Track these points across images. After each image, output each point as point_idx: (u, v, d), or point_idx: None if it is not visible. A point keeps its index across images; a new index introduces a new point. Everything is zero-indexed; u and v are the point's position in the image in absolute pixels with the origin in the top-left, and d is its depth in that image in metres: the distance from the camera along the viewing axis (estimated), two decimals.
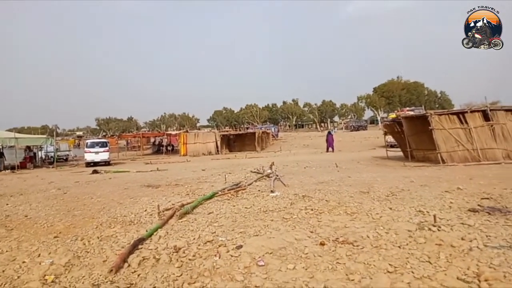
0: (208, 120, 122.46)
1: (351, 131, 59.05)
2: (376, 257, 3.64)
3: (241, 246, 4.19)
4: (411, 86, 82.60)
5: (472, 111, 12.78)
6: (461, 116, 12.75)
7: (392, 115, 21.95)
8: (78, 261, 4.06)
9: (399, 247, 3.90)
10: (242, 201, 6.91)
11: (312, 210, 5.84)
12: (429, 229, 4.38)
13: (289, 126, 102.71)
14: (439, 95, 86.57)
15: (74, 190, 10.06)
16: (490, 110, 12.67)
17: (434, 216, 4.70)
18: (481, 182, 7.82)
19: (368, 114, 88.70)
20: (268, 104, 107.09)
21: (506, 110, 12.80)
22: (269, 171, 11.92)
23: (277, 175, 10.32)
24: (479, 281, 2.92)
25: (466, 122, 12.57)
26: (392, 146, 20.81)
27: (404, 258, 3.55)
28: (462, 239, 3.96)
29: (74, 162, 27.69)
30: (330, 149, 26.20)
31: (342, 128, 73.52)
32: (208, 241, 4.46)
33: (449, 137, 12.61)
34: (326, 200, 6.52)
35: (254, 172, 12.21)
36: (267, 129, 47.48)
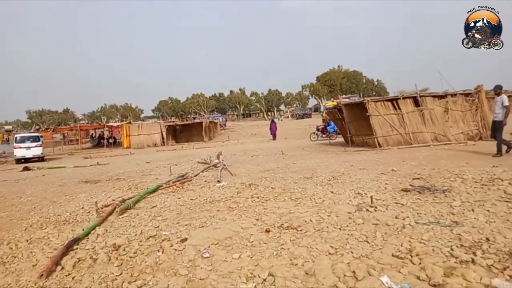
0: (153, 111, 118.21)
1: (297, 119, 60.60)
2: (318, 240, 3.76)
3: (185, 239, 4.09)
4: (351, 75, 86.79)
5: (404, 98, 13.68)
6: (394, 102, 13.61)
7: (330, 103, 23.04)
8: (4, 268, 3.68)
9: (339, 229, 4.07)
10: (188, 192, 6.76)
11: (258, 198, 5.88)
12: (367, 210, 4.63)
13: (237, 115, 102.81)
14: (376, 83, 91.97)
15: (1, 189, 9.13)
16: (420, 96, 13.66)
17: (371, 197, 4.97)
18: (412, 163, 8.45)
19: (312, 102, 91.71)
20: (215, 94, 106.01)
21: (434, 96, 13.90)
22: (216, 161, 11.80)
23: (224, 165, 10.25)
24: (411, 256, 3.13)
25: (399, 108, 13.45)
26: (319, 130, 22.78)
27: (344, 239, 3.71)
28: (396, 217, 4.23)
29: (3, 159, 25.14)
30: (272, 137, 26.73)
31: (288, 116, 75.19)
32: (151, 236, 4.29)
33: (385, 123, 13.43)
34: (272, 188, 6.61)
35: (201, 162, 12.03)
36: (215, 119, 47.02)
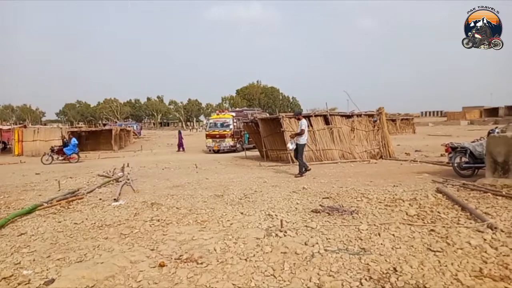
0: (57, 114, 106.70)
1: None
2: (220, 276, 3.24)
3: (52, 281, 3.20)
4: (269, 91, 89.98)
5: (316, 116, 14.22)
6: (307, 119, 14.04)
7: (214, 116, 23.36)
8: None
9: (245, 260, 3.60)
10: (73, 214, 5.68)
11: (158, 221, 5.15)
12: (276, 235, 4.27)
13: (154, 123, 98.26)
14: (291, 100, 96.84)
15: None
16: (330, 115, 14.37)
17: (281, 221, 4.65)
18: (322, 181, 8.54)
19: None
20: (130, 100, 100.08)
21: (342, 116, 14.74)
22: (120, 174, 10.61)
23: (128, 179, 9.19)
24: None
25: (311, 125, 13.91)
26: (54, 151, 18.64)
27: (250, 274, 3.25)
28: (306, 244, 3.93)
29: None
30: (181, 148, 25.54)
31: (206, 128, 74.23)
32: (5, 278, 3.28)
33: None
34: (177, 208, 5.92)
35: (102, 175, 10.69)
36: (128, 126, 43.90)
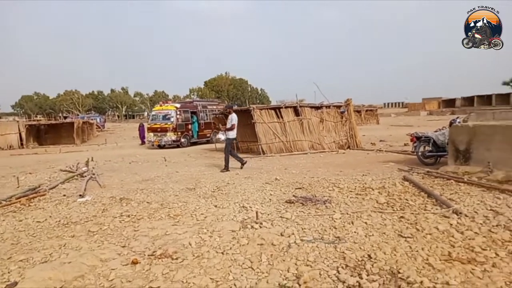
0: (13, 107, 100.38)
1: None
2: (197, 271, 3.16)
3: (15, 284, 3.00)
4: (237, 82, 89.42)
5: (286, 107, 14.30)
6: (277, 111, 14.09)
7: (157, 107, 21.17)
8: None
9: (222, 253, 3.55)
10: (35, 212, 5.36)
11: (128, 216, 4.97)
12: (252, 226, 4.25)
13: (118, 116, 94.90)
14: (260, 91, 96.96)
15: None
16: (300, 106, 14.50)
17: (256, 212, 4.62)
18: (294, 171, 8.62)
19: None
20: (93, 91, 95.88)
21: (311, 107, 14.92)
22: (84, 168, 10.15)
23: (94, 174, 8.81)
24: (299, 284, 2.80)
25: (282, 117, 13.99)
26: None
27: (227, 268, 3.20)
28: (282, 235, 3.94)
29: None
30: (143, 141, 24.02)
31: None
32: None
33: (268, 130, 13.74)
34: (147, 202, 5.74)
35: (65, 171, 10.17)
36: (91, 119, 42.06)
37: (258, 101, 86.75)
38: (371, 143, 15.63)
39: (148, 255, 3.57)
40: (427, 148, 8.77)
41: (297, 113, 14.21)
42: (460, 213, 4.25)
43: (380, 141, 16.82)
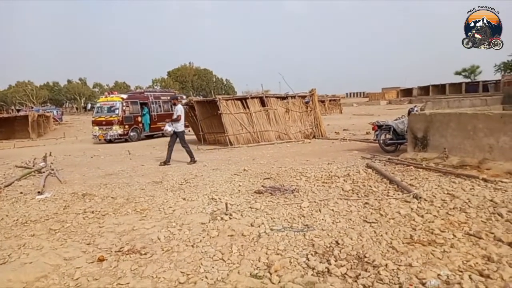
0: None
1: None
2: (167, 265, 3.12)
3: None
4: (202, 73, 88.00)
5: (252, 98, 14.29)
6: (243, 101, 14.06)
7: (102, 99, 19.73)
8: None
9: (192, 246, 3.52)
10: None
11: (92, 212, 4.79)
12: (222, 218, 4.24)
13: (77, 108, 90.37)
14: (225, 82, 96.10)
15: None
16: (266, 97, 14.55)
17: (226, 204, 4.62)
18: (261, 162, 8.68)
19: None
20: (47, 82, 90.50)
21: (277, 98, 15.02)
22: (42, 164, 9.62)
23: (52, 169, 8.37)
24: (270, 273, 2.85)
25: (248, 107, 13.98)
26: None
27: (198, 260, 3.18)
28: (252, 225, 3.97)
29: None
30: None
31: None
32: None
33: (235, 121, 13.70)
34: (112, 197, 5.56)
35: (21, 167, 9.58)
36: (47, 112, 39.77)
37: (223, 92, 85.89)
38: (335, 132, 16.06)
39: (115, 252, 3.47)
40: (388, 136, 9.14)
41: (263, 103, 14.25)
42: (420, 197, 4.49)
43: (344, 130, 17.33)
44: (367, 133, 14.23)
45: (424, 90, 62.29)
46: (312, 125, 15.17)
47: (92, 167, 9.24)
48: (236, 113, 13.67)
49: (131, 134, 18.26)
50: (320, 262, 2.99)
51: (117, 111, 17.88)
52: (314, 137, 14.80)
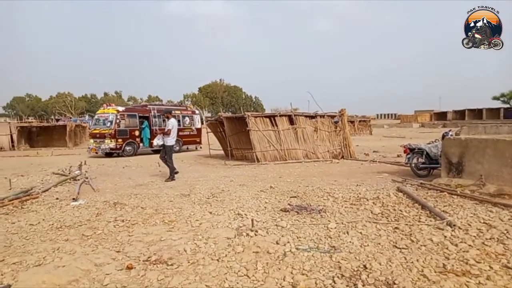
0: (5, 108, 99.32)
1: None
2: (192, 277, 3.15)
3: (9, 287, 2.95)
4: (232, 90, 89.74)
5: (281, 116, 14.38)
6: (272, 119, 14.16)
7: (100, 110, 18.71)
8: None
9: (217, 260, 3.54)
10: (28, 214, 5.30)
11: (123, 221, 4.93)
12: (247, 234, 4.25)
13: None
14: (254, 99, 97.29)
15: None
16: (294, 115, 14.58)
17: (252, 220, 4.63)
18: (288, 180, 8.64)
19: None
20: (86, 94, 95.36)
21: (306, 116, 15.03)
22: (77, 172, 10.06)
23: (87, 178, 8.73)
24: None
25: (276, 125, 14.05)
26: None
27: (223, 275, 3.19)
28: (277, 243, 3.94)
29: None
30: None
31: None
32: None
33: (263, 138, 13.79)
34: (141, 207, 5.71)
35: (58, 174, 10.07)
36: (84, 122, 41.75)
37: (252, 109, 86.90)
38: (365, 154, 15.74)
39: (143, 261, 3.54)
40: (420, 160, 8.86)
41: (291, 121, 14.28)
42: (454, 225, 4.30)
43: (374, 151, 16.95)
44: (398, 156, 13.85)
45: (460, 114, 60.22)
46: (340, 145, 14.98)
47: (124, 177, 9.55)
48: (264, 130, 13.76)
49: (127, 148, 17.28)
50: (347, 286, 2.92)
51: (109, 124, 17.06)
52: (342, 157, 14.58)
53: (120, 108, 18.15)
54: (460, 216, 4.77)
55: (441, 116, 65.25)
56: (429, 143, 9.39)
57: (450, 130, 10.92)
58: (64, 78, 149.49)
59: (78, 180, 8.47)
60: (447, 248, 3.66)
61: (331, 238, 4.12)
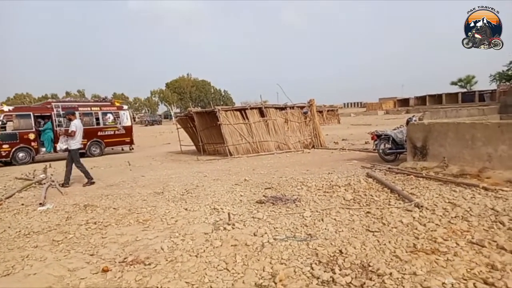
0: None
1: (146, 125, 57.72)
2: (171, 275, 3.12)
3: None
4: (200, 84, 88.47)
5: (251, 108, 14.40)
6: (243, 112, 14.16)
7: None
8: None
9: (196, 256, 3.53)
10: None
11: (95, 223, 4.79)
12: (225, 228, 4.25)
13: None
14: (223, 93, 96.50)
15: None
16: (265, 107, 14.66)
17: (229, 214, 4.64)
18: (262, 172, 8.70)
19: (162, 108, 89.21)
20: (46, 94, 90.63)
21: (276, 108, 15.14)
22: (42, 176, 9.61)
23: (53, 181, 8.36)
24: (275, 283, 2.85)
25: (247, 118, 14.06)
26: None
27: (202, 270, 3.19)
28: (255, 235, 3.98)
29: None
30: None
31: (136, 123, 70.80)
32: None
33: (234, 131, 13.77)
34: (114, 208, 5.56)
35: (21, 178, 9.57)
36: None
37: (222, 103, 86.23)
38: (334, 142, 16.10)
39: (119, 262, 3.47)
40: (387, 145, 9.20)
41: (262, 114, 14.35)
42: (422, 206, 4.52)
43: (343, 140, 17.37)
44: (366, 143, 14.28)
45: (421, 100, 62.74)
46: (311, 135, 15.25)
47: (93, 178, 9.21)
48: (235, 123, 13.75)
49: (20, 155, 14.68)
50: (325, 271, 3.00)
51: None
52: (313, 147, 14.86)
53: (7, 108, 15.42)
54: (427, 197, 5.02)
55: (404, 102, 67.73)
56: (394, 129, 9.75)
57: (413, 116, 11.38)
58: (22, 78, 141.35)
59: (44, 184, 8.10)
60: (416, 229, 3.84)
61: (307, 226, 4.21)
